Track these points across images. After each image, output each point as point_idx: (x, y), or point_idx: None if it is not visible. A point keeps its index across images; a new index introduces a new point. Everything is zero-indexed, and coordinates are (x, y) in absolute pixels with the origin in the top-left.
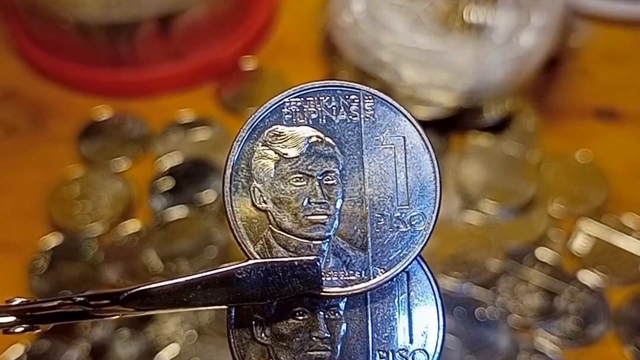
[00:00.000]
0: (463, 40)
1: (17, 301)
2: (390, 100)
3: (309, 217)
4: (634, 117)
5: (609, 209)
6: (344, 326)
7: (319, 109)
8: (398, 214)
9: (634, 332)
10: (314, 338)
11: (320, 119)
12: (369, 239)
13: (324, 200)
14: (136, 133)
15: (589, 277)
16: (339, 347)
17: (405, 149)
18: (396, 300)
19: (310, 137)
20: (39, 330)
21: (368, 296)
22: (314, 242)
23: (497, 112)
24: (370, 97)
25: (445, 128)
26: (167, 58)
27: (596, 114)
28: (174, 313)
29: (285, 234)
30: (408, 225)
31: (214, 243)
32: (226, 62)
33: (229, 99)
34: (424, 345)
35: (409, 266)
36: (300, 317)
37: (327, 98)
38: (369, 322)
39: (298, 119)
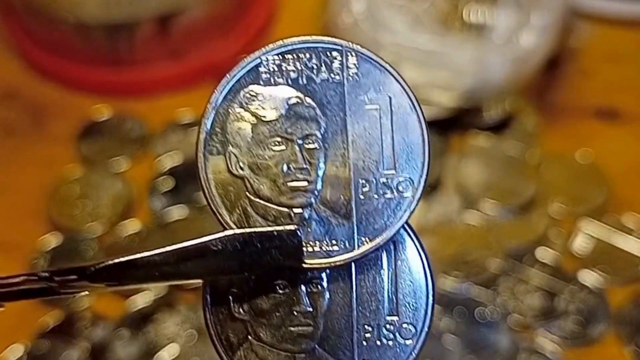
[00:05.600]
0: (463, 40)
1: None
2: (374, 57)
3: (289, 184)
4: (634, 117)
5: (609, 209)
6: (327, 300)
7: (299, 67)
8: (384, 180)
9: (634, 332)
10: (295, 313)
11: (300, 79)
12: (353, 206)
13: (304, 166)
14: (136, 133)
15: (589, 277)
16: (321, 321)
17: (391, 109)
18: (382, 271)
19: (290, 97)
20: (3, 309)
21: (352, 267)
22: (295, 210)
23: (497, 112)
24: (353, 53)
25: (445, 128)
26: (167, 58)
27: (596, 114)
28: (174, 313)
29: (263, 202)
30: (395, 191)
31: None
32: (226, 62)
33: None
34: (412, 318)
35: (396, 236)
36: (281, 291)
37: (308, 55)
38: (354, 295)
39: (276, 79)
